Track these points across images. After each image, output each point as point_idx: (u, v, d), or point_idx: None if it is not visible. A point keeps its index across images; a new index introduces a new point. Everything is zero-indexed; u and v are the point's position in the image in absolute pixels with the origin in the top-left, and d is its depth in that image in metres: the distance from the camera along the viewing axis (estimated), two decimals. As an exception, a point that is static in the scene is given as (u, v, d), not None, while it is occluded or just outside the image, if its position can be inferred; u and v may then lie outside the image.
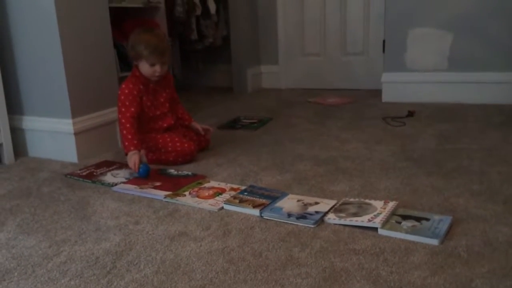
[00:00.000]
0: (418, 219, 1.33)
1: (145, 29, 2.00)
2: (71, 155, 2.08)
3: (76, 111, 2.06)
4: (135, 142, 1.88)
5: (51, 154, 2.13)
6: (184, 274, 1.14)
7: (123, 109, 1.92)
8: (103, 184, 1.79)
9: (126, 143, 1.88)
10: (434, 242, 1.21)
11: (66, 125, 2.06)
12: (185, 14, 3.59)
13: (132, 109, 1.92)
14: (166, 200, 1.60)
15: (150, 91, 1.99)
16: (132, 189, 1.71)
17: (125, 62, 3.02)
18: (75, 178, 1.87)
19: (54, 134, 2.10)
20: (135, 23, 3.16)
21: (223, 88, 4.01)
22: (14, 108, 2.18)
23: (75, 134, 2.06)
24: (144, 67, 1.93)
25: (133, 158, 1.84)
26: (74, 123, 2.05)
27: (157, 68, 1.92)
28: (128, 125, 1.89)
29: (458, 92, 2.91)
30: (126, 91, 1.93)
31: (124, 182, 1.79)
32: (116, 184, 1.77)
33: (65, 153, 2.09)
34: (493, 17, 2.77)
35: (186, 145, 1.97)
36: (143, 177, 1.81)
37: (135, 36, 1.94)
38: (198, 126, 2.14)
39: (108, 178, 1.84)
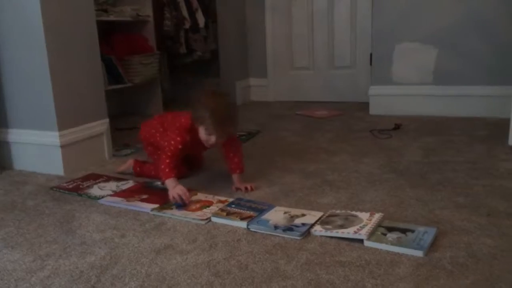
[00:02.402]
0: (403, 230, 1.34)
1: (218, 94, 1.81)
2: (57, 168, 2.06)
3: (62, 124, 2.05)
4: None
5: (37, 167, 2.12)
6: (169, 288, 1.13)
7: (169, 154, 1.73)
8: (89, 197, 1.77)
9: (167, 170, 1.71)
10: (419, 253, 1.22)
11: (52, 137, 2.04)
12: (173, 28, 3.61)
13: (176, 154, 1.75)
14: (153, 213, 1.60)
15: (195, 143, 1.80)
16: (119, 202, 1.70)
17: (113, 75, 3.02)
18: (61, 191, 1.85)
19: (40, 147, 2.09)
20: (124, 36, 3.17)
21: (211, 101, 4.01)
22: (0, 120, 2.17)
23: (62, 147, 2.04)
24: (201, 132, 1.74)
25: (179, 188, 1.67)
26: (60, 136, 2.04)
27: (213, 139, 1.72)
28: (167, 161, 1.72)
29: (444, 105, 2.95)
30: (173, 143, 1.74)
31: (110, 195, 1.77)
32: (102, 197, 1.75)
33: (51, 166, 2.07)
34: (477, 33, 2.82)
35: (182, 169, 1.89)
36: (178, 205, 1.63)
37: (203, 98, 1.74)
38: (241, 185, 1.81)
39: (95, 191, 1.83)
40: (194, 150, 1.89)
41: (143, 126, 2.03)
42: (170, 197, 1.65)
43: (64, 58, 2.06)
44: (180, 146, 1.75)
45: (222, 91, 1.90)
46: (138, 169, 2.01)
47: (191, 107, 1.76)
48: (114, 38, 3.11)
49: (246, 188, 1.79)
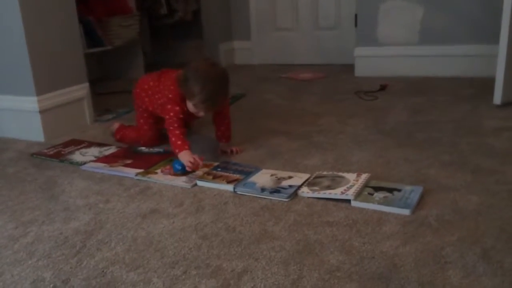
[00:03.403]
0: (390, 190, 1.34)
1: (209, 65, 1.68)
2: (37, 134, 2.01)
3: (40, 88, 1.98)
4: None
5: (16, 134, 2.06)
6: (156, 251, 1.12)
7: (175, 125, 1.67)
8: (71, 163, 1.73)
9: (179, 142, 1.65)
10: (406, 212, 1.23)
11: (31, 103, 1.98)
12: (153, -12, 3.48)
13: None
14: (137, 178, 1.57)
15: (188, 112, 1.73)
16: (102, 168, 1.66)
17: (92, 38, 2.92)
18: (42, 157, 1.81)
19: (18, 113, 2.02)
20: (101, -3, 3.05)
21: (195, 64, 3.93)
22: (-25, 86, 2.08)
23: (41, 112, 1.98)
24: (189, 105, 1.67)
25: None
26: (39, 101, 1.97)
27: (201, 113, 1.69)
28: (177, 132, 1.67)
29: (429, 65, 2.93)
30: (173, 115, 1.67)
31: (93, 161, 1.74)
32: (85, 163, 1.72)
33: (31, 132, 2.02)
34: (463, -10, 2.78)
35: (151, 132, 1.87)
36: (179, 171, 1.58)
37: (193, 70, 1.64)
38: (226, 148, 1.80)
39: (77, 156, 1.79)
40: (188, 118, 1.81)
41: (140, 79, 1.92)
42: (188, 164, 1.56)
43: (40, 21, 1.96)
44: (181, 116, 1.69)
45: (213, 61, 1.76)
46: (120, 133, 1.96)
47: (180, 76, 1.66)
48: (91, -1, 2.99)
49: (231, 151, 1.77)
